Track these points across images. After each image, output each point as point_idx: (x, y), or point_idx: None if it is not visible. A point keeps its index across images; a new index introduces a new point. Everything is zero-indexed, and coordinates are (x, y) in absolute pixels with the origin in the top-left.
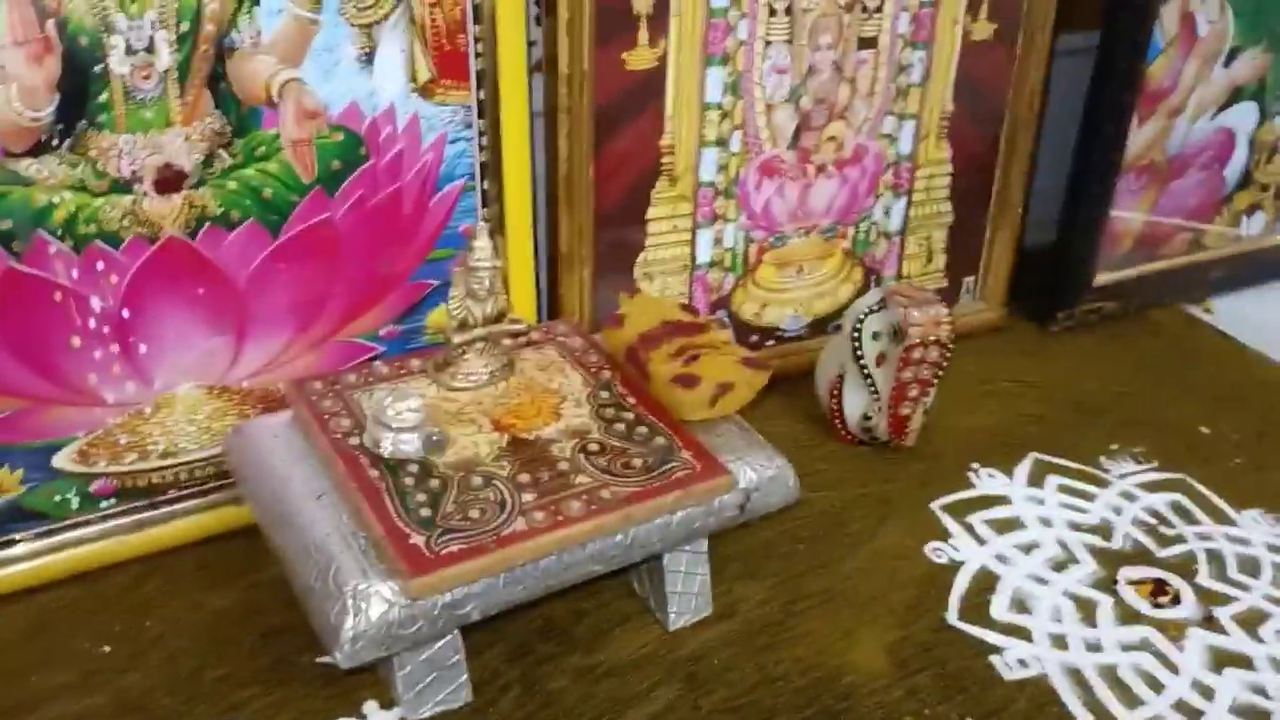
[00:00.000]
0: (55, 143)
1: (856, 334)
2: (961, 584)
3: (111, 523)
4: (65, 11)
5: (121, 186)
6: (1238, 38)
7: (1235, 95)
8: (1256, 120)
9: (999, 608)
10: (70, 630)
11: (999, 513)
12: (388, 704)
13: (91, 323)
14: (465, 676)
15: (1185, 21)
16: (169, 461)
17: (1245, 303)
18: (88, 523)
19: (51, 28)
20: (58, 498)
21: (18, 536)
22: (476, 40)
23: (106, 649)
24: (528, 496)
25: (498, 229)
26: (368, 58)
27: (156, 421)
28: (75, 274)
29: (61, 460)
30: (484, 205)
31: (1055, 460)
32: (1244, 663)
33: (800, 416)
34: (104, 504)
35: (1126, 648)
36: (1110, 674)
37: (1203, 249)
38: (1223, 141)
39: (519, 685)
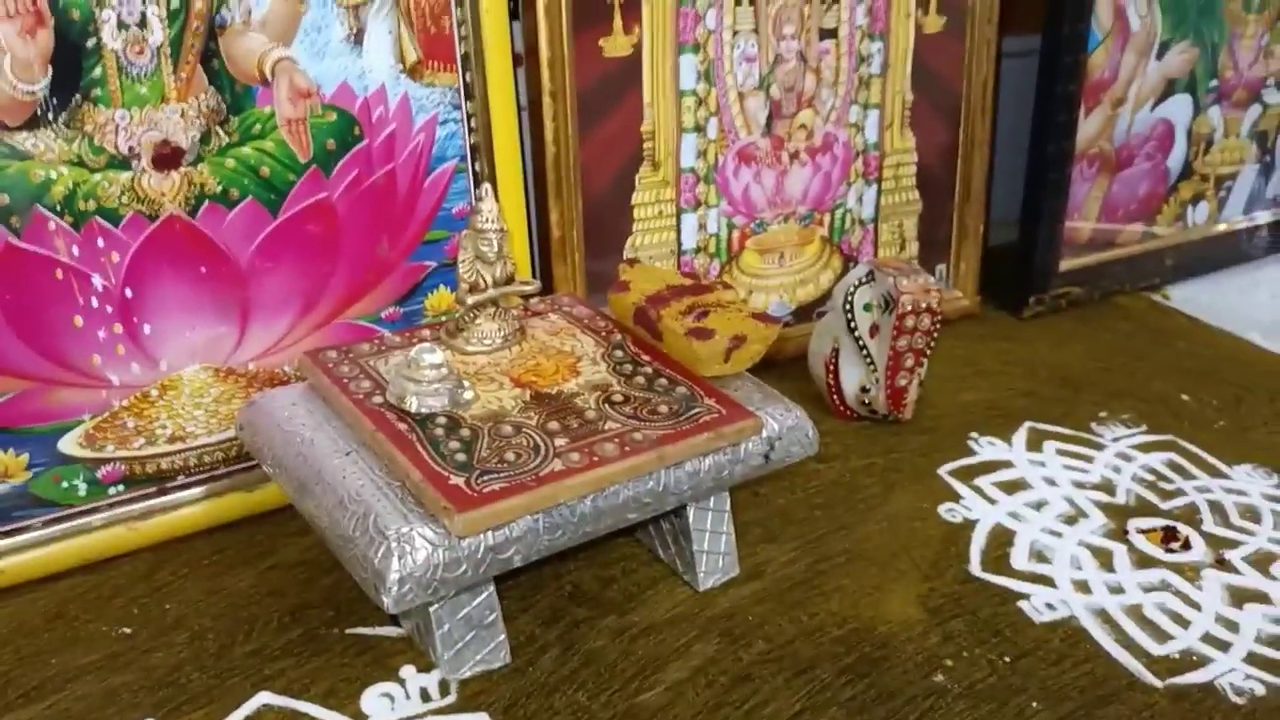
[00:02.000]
0: (51, 116)
1: (849, 307)
2: (979, 539)
3: (121, 509)
4: None
5: (119, 162)
6: (1166, 32)
7: (1170, 88)
8: (1191, 112)
9: (1019, 558)
10: (89, 615)
11: (1004, 475)
12: (425, 668)
13: (94, 301)
14: (503, 636)
15: (1118, 15)
16: (177, 446)
17: (1199, 290)
18: (96, 510)
19: (43, 2)
20: (65, 484)
21: (27, 524)
22: (460, 24)
23: (128, 630)
24: (560, 441)
25: None
26: (356, 38)
27: (163, 404)
28: (76, 251)
29: (68, 445)
30: (476, 186)
31: (1050, 428)
32: (1262, 598)
33: (796, 398)
34: (112, 490)
35: (1147, 589)
36: (1136, 613)
37: (1155, 238)
38: (1163, 133)
39: (557, 646)
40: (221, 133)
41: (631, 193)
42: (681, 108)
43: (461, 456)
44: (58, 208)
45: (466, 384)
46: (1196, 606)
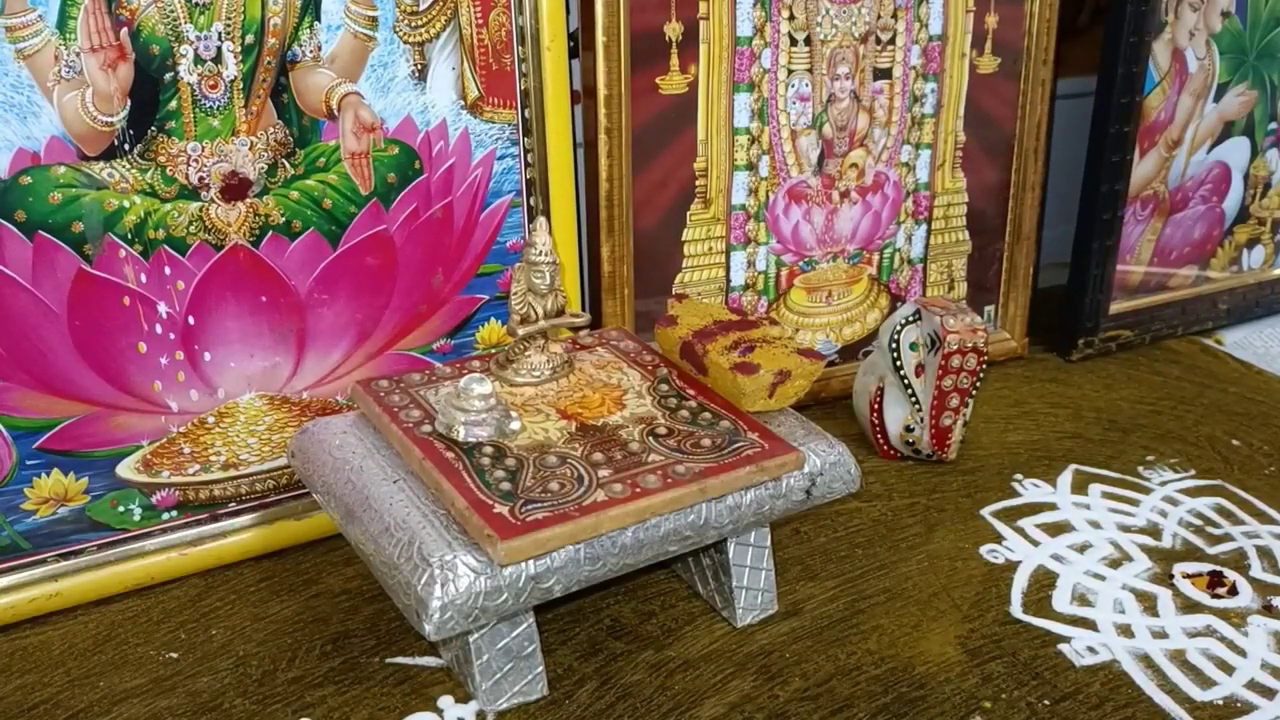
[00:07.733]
0: (127, 147)
1: (895, 345)
2: (1021, 581)
3: (173, 535)
4: (138, 21)
5: (189, 193)
6: (1225, 74)
7: (1227, 130)
8: (1249, 155)
9: (1061, 601)
10: (137, 639)
11: (1048, 518)
12: (463, 698)
13: (158, 328)
14: (541, 667)
15: (1176, 57)
16: (230, 473)
17: (1252, 334)
18: (149, 535)
19: (125, 36)
20: (121, 508)
21: (83, 547)
22: (521, 61)
23: (174, 655)
24: (604, 472)
25: None
26: (420, 74)
27: (219, 431)
28: (144, 279)
29: (126, 469)
30: (530, 220)
31: (1096, 471)
32: None
33: (839, 436)
34: (166, 516)
35: (1191, 634)
36: (1179, 658)
37: (1209, 282)
38: (1219, 175)
39: (595, 679)
40: (287, 165)
41: (682, 229)
42: (734, 145)
43: (506, 485)
44: (129, 236)
45: (514, 414)
46: (1242, 653)
